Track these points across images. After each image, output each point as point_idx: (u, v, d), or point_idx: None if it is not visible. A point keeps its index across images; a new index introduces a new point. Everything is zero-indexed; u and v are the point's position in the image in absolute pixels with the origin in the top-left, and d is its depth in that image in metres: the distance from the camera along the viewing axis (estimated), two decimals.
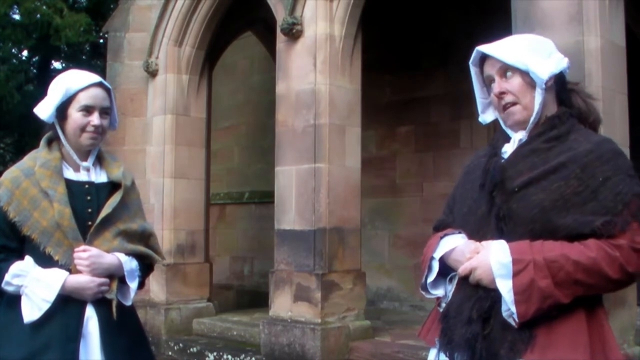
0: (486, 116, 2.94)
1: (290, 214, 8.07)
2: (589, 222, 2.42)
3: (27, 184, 3.18)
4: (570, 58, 5.99)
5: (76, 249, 3.16)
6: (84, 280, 3.15)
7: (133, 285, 3.32)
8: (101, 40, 18.22)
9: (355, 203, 8.21)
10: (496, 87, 2.72)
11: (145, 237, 3.44)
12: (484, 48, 2.74)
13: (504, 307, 2.46)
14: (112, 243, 3.24)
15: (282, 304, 8.04)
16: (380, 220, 11.11)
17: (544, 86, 2.63)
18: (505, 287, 2.43)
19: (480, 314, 2.52)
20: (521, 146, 2.67)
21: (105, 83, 3.34)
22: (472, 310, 2.54)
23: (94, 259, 3.16)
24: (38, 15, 15.10)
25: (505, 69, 2.69)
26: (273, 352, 7.93)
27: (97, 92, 3.28)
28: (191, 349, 8.93)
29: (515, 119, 2.71)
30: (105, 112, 3.31)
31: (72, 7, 17.19)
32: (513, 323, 2.43)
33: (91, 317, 3.18)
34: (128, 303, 3.33)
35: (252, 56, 13.55)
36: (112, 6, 15.89)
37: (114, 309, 3.20)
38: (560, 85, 2.73)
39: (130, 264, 3.29)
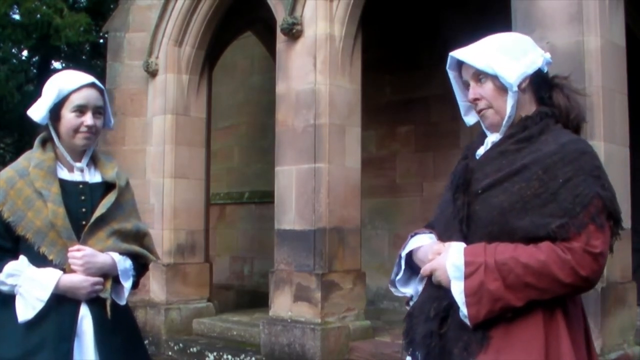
0: (469, 118, 2.91)
1: (290, 214, 8.07)
2: (545, 224, 2.39)
3: (21, 184, 3.18)
4: (570, 58, 6.00)
5: (70, 249, 3.17)
6: (77, 279, 3.15)
7: (127, 284, 3.32)
8: (101, 40, 18.22)
9: (355, 203, 8.21)
10: (471, 92, 2.70)
11: (139, 236, 3.44)
12: (457, 53, 2.71)
13: (460, 309, 2.45)
14: (106, 242, 3.24)
15: (282, 304, 8.04)
16: (380, 220, 11.11)
17: (515, 89, 2.59)
18: (458, 289, 2.43)
19: (437, 312, 2.53)
20: (492, 148, 2.66)
21: (98, 83, 3.34)
22: (430, 309, 2.56)
23: (88, 258, 3.16)
24: (38, 15, 15.11)
25: (478, 74, 2.66)
26: (273, 352, 7.93)
27: (90, 92, 3.28)
28: (191, 349, 8.93)
29: (488, 122, 2.69)
30: (98, 112, 3.31)
31: (72, 7, 17.21)
32: (469, 324, 2.43)
33: (85, 317, 3.18)
34: (122, 302, 3.33)
35: (252, 56, 13.55)
36: (112, 6, 15.89)
37: (108, 308, 3.20)
38: (537, 84, 2.67)
39: (124, 264, 3.29)
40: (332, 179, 7.88)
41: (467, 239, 2.53)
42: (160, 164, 9.75)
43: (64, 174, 3.30)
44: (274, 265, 8.25)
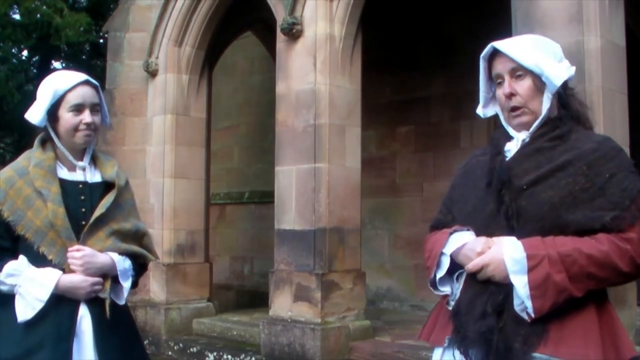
0: (487, 110, 2.95)
1: (290, 214, 8.07)
2: (598, 217, 2.47)
3: (20, 183, 3.18)
4: (570, 58, 5.98)
5: (70, 249, 3.17)
6: (77, 279, 3.15)
7: (126, 284, 3.32)
8: (101, 40, 18.24)
9: (355, 203, 8.21)
10: (506, 87, 2.73)
11: (138, 236, 3.44)
12: (501, 45, 2.74)
13: (516, 302, 2.49)
14: (105, 242, 3.24)
15: (282, 304, 8.04)
16: (380, 220, 11.11)
17: (554, 91, 2.69)
18: (521, 283, 2.46)
19: (494, 308, 2.54)
20: (525, 145, 2.71)
21: (92, 80, 3.34)
22: (486, 304, 2.56)
23: (88, 258, 3.16)
24: (38, 15, 15.12)
25: (517, 70, 2.70)
26: (273, 352, 7.93)
27: (85, 90, 3.28)
28: (191, 349, 8.93)
29: (521, 120, 2.74)
30: (95, 109, 3.31)
31: (72, 7, 17.22)
32: (526, 317, 2.46)
33: (84, 316, 3.19)
34: (121, 302, 3.33)
35: (252, 56, 13.54)
36: (112, 6, 15.91)
37: (107, 308, 3.20)
38: (563, 90, 2.75)
39: (123, 264, 3.29)
40: (332, 179, 7.88)
41: (514, 233, 2.56)
42: (160, 163, 9.75)
43: (63, 173, 3.30)
44: (274, 265, 8.25)
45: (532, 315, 2.44)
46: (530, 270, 2.45)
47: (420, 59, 10.75)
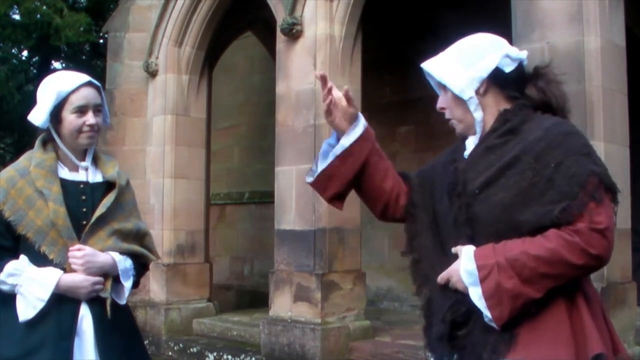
0: None
1: (290, 214, 8.07)
2: (548, 212, 2.37)
3: (22, 183, 3.18)
4: (570, 58, 6.01)
5: (71, 248, 3.17)
6: (78, 279, 3.15)
7: (127, 284, 3.32)
8: (101, 41, 18.23)
9: (355, 203, 8.16)
10: (438, 102, 2.80)
11: (140, 236, 3.43)
12: (425, 64, 2.78)
13: (484, 314, 2.44)
14: (106, 242, 3.24)
15: (282, 304, 8.04)
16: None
17: (468, 97, 2.62)
18: (476, 295, 2.43)
19: (454, 317, 2.53)
20: (477, 146, 2.65)
21: (94, 81, 3.33)
22: (447, 312, 2.57)
23: (88, 257, 3.16)
24: (38, 15, 15.11)
25: (441, 83, 2.72)
26: (273, 352, 7.93)
27: (88, 91, 3.27)
28: (191, 349, 8.93)
29: (456, 131, 2.75)
30: (98, 109, 3.31)
31: (72, 7, 17.20)
32: (495, 326, 2.41)
33: (85, 316, 3.19)
34: (122, 302, 3.33)
35: (252, 56, 13.54)
36: (112, 6, 15.89)
37: (108, 308, 3.20)
38: (502, 83, 2.65)
39: (124, 263, 3.29)
40: None
41: (474, 240, 2.52)
42: (160, 164, 9.76)
43: (64, 173, 3.29)
44: (274, 265, 8.25)
45: (495, 325, 2.40)
46: (482, 281, 2.41)
47: (420, 59, 10.72)
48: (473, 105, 2.63)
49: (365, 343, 7.85)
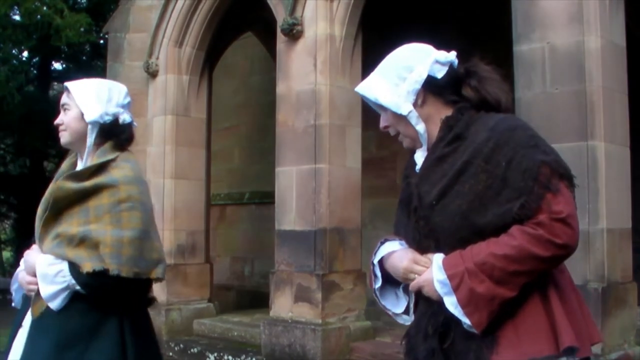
0: None
1: (290, 215, 8.07)
2: (507, 211, 2.34)
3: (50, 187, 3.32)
4: (570, 58, 6.01)
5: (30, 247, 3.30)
6: (20, 276, 3.28)
7: (44, 289, 3.13)
8: (101, 41, 18.24)
9: (356, 203, 8.21)
10: (381, 121, 2.76)
11: (91, 243, 3.13)
12: (358, 88, 2.78)
13: (462, 321, 2.40)
14: (48, 245, 3.20)
15: (282, 305, 8.04)
16: (381, 220, 11.10)
17: (406, 112, 2.60)
18: (452, 304, 2.38)
19: (436, 328, 2.49)
20: (427, 157, 2.61)
21: (67, 84, 3.35)
22: (427, 326, 2.52)
23: (25, 257, 3.26)
24: (38, 16, 15.10)
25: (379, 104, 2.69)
26: (274, 353, 7.93)
27: (62, 95, 3.35)
28: (192, 350, 8.94)
29: (405, 145, 2.72)
30: (63, 108, 3.33)
31: (73, 7, 17.20)
32: (476, 332, 2.37)
33: (29, 314, 3.25)
34: (52, 306, 3.14)
35: (252, 56, 13.53)
36: (112, 7, 15.90)
37: (32, 309, 3.21)
38: (438, 90, 2.63)
39: (45, 268, 3.14)
40: (333, 179, 7.88)
41: (439, 251, 2.48)
42: (160, 164, 9.77)
43: None
44: (275, 265, 8.25)
45: (476, 331, 2.36)
46: (455, 289, 2.37)
47: None
48: (413, 119, 2.60)
49: (366, 343, 7.86)
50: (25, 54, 20.22)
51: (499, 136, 2.41)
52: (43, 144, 18.25)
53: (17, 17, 17.09)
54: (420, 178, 2.59)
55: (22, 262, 3.32)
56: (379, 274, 2.75)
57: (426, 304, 2.55)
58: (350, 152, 8.16)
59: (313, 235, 7.82)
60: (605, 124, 5.79)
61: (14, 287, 3.40)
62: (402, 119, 2.62)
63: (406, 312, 2.78)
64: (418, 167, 2.66)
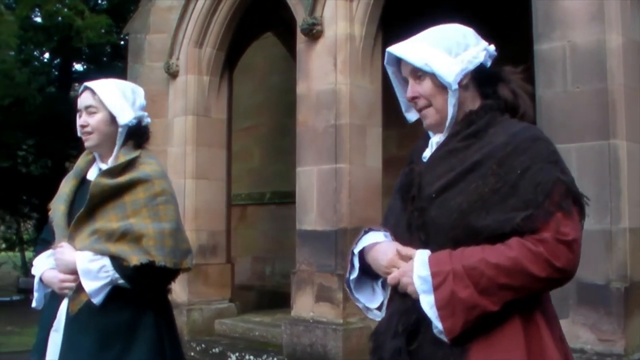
0: (410, 115, 2.76)
1: (311, 215, 8.08)
2: (509, 219, 2.21)
3: (64, 183, 3.41)
4: (591, 56, 5.97)
5: (57, 246, 3.27)
6: (50, 275, 3.27)
7: (88, 285, 3.15)
8: (122, 42, 18.32)
9: (376, 203, 8.20)
10: (409, 90, 2.57)
11: (133, 237, 3.19)
12: (394, 49, 2.60)
13: (434, 325, 2.25)
14: (85, 241, 3.20)
15: (303, 305, 8.05)
16: None
17: (455, 88, 2.42)
18: (428, 303, 2.24)
19: (405, 327, 2.34)
20: (439, 148, 2.49)
21: (90, 84, 3.35)
22: (398, 324, 2.37)
23: (58, 255, 3.23)
24: (59, 18, 15.20)
25: (417, 70, 2.50)
26: (295, 353, 7.93)
27: (83, 95, 3.36)
28: (213, 350, 8.96)
29: (428, 121, 2.56)
30: (89, 111, 3.33)
31: (93, 8, 17.29)
32: (445, 339, 2.23)
33: (62, 313, 3.24)
34: (95, 301, 3.16)
35: (272, 56, 13.54)
36: (132, 8, 15.96)
37: (67, 306, 3.22)
38: (481, 79, 2.50)
39: (87, 264, 3.16)
40: (353, 179, 7.88)
41: (427, 246, 2.34)
42: (181, 165, 9.80)
43: (92, 174, 3.39)
44: (296, 265, 8.26)
45: (446, 338, 2.22)
46: (435, 288, 2.22)
47: None
48: (454, 97, 2.44)
49: None
50: (47, 55, 20.36)
51: (519, 143, 2.31)
52: (64, 145, 18.34)
53: (38, 19, 17.22)
54: (426, 167, 2.48)
55: (36, 262, 3.36)
56: (356, 264, 2.58)
57: (401, 301, 2.39)
58: (371, 152, 8.15)
59: (334, 235, 7.82)
60: (627, 123, 5.76)
61: (36, 287, 3.39)
62: (442, 93, 2.46)
63: (380, 308, 2.62)
64: (425, 153, 2.57)
